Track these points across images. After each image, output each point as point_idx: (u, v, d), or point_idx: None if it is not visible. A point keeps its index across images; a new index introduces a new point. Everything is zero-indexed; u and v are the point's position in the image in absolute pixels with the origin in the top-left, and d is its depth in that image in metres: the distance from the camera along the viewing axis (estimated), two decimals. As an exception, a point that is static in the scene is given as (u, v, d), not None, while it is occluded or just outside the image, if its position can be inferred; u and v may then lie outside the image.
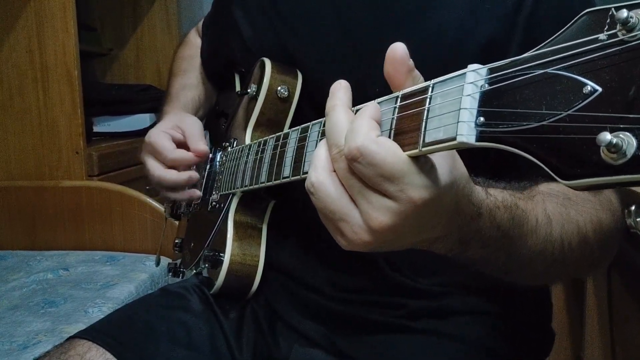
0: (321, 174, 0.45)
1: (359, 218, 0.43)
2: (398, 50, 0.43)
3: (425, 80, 0.44)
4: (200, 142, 0.88)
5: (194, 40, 1.12)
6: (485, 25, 0.66)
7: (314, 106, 0.79)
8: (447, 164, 0.43)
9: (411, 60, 0.44)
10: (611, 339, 1.20)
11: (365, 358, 0.76)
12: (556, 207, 0.57)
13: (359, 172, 0.42)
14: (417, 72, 0.44)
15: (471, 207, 0.47)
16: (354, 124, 0.42)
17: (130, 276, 1.53)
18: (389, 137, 0.43)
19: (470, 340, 0.75)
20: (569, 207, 0.58)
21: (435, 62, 0.68)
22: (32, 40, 1.77)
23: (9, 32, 1.78)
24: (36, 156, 1.81)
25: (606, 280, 1.20)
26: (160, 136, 0.88)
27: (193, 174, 0.87)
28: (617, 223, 0.62)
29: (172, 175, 0.87)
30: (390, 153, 0.41)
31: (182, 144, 0.89)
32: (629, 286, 1.13)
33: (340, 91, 0.47)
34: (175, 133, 0.90)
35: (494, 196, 0.51)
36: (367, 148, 0.40)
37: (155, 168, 0.88)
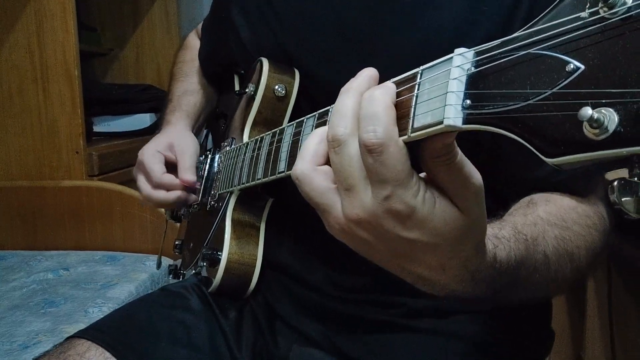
0: (307, 167, 0.44)
1: (340, 211, 0.43)
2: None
3: None
4: (188, 172, 0.91)
5: (194, 43, 1.12)
6: (482, 24, 0.66)
7: (311, 105, 0.79)
8: (453, 219, 0.41)
9: None
10: (612, 339, 1.20)
11: (364, 357, 0.76)
12: (555, 244, 0.57)
13: (365, 162, 0.40)
14: None
15: (466, 274, 0.46)
16: (377, 108, 0.40)
17: (130, 276, 1.53)
18: None
19: (469, 340, 0.75)
20: (566, 239, 0.59)
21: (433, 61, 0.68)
22: (32, 40, 1.78)
23: (9, 32, 1.78)
24: (36, 156, 1.81)
25: (606, 279, 1.20)
26: (152, 157, 0.91)
27: (181, 194, 0.91)
28: (605, 240, 0.63)
29: (160, 196, 0.91)
30: (404, 159, 0.40)
31: (173, 165, 0.92)
32: (629, 286, 1.13)
33: (364, 77, 0.44)
34: (168, 153, 0.93)
35: (499, 263, 0.49)
36: (388, 148, 0.39)
37: (143, 188, 0.92)
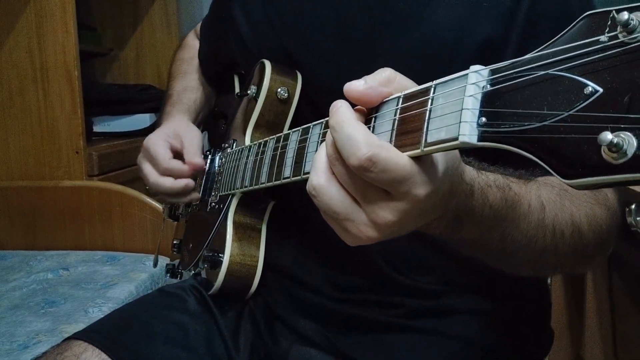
0: (322, 176, 0.45)
1: (365, 217, 0.44)
2: (352, 93, 0.45)
3: (421, 79, 0.44)
4: (196, 155, 0.89)
5: (193, 43, 1.12)
6: (483, 23, 0.67)
7: (312, 107, 0.79)
8: (440, 153, 0.43)
9: (369, 83, 0.45)
10: (611, 338, 1.20)
11: (363, 357, 0.76)
12: (550, 195, 0.57)
13: (368, 179, 0.42)
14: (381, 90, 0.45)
15: (464, 185, 0.48)
16: (347, 130, 0.42)
17: (130, 276, 1.53)
18: (391, 137, 0.44)
19: (468, 339, 0.75)
20: (564, 198, 0.58)
21: (433, 61, 0.68)
22: (32, 40, 1.77)
23: (9, 32, 1.78)
24: (36, 156, 1.81)
25: (607, 279, 1.20)
26: (159, 143, 0.89)
27: (189, 182, 0.88)
28: (612, 219, 0.62)
29: (168, 183, 0.88)
30: (398, 156, 0.41)
31: (179, 153, 0.90)
32: (629, 285, 1.13)
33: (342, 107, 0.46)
34: (174, 141, 0.90)
35: (485, 175, 0.52)
36: (378, 156, 0.40)
37: (150, 174, 0.89)
